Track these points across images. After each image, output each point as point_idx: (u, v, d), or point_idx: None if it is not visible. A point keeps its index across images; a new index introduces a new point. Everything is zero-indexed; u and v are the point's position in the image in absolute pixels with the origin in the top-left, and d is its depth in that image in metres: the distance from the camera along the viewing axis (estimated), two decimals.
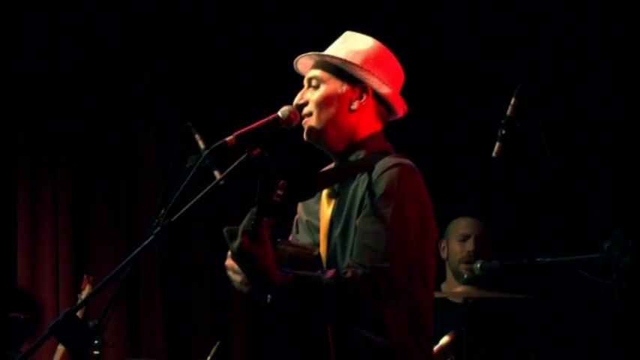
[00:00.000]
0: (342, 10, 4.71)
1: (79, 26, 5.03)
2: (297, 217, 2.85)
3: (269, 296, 2.45)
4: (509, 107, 2.98)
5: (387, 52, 2.74)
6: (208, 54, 5.07)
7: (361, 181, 2.60)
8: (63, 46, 5.00)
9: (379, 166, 2.58)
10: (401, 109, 2.74)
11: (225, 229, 2.39)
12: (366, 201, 2.54)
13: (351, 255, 2.52)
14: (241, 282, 2.56)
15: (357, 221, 2.54)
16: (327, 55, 2.70)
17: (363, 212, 2.53)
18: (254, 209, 2.39)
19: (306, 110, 2.68)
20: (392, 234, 2.48)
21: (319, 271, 2.49)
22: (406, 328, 2.55)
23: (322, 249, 2.63)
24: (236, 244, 2.36)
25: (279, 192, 2.37)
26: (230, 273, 2.59)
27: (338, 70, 2.68)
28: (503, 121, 2.95)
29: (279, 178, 2.41)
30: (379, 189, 2.53)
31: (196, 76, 5.06)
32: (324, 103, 2.67)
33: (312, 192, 2.67)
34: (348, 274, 2.43)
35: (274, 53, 4.77)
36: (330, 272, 2.45)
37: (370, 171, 2.58)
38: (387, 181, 2.53)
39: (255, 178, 2.36)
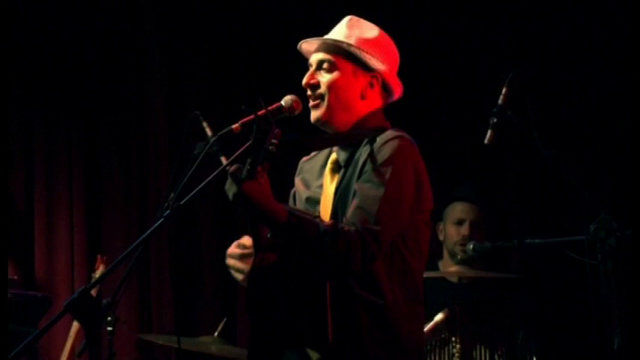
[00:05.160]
0: None
1: (88, 13, 5.04)
2: (293, 190, 2.88)
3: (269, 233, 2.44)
4: (501, 96, 3.00)
5: (389, 39, 2.79)
6: (217, 42, 5.09)
7: (363, 152, 2.64)
8: (73, 33, 5.03)
9: (381, 137, 2.63)
10: (399, 91, 2.79)
11: (230, 171, 2.39)
12: (367, 167, 2.58)
13: (344, 215, 2.56)
14: (242, 280, 2.59)
15: (356, 185, 2.58)
16: (345, 43, 2.70)
17: (362, 177, 2.58)
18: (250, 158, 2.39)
19: (317, 92, 2.70)
20: (386, 200, 2.52)
21: (317, 219, 2.53)
22: (398, 289, 2.59)
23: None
24: (234, 189, 2.36)
25: (274, 140, 2.38)
26: (232, 272, 2.63)
27: (351, 56, 2.71)
28: (494, 110, 2.99)
29: (275, 126, 2.40)
30: (380, 157, 2.57)
31: (205, 65, 5.08)
32: (339, 89, 2.69)
33: (308, 150, 2.71)
34: (345, 228, 2.47)
35: (281, 41, 4.73)
36: (329, 222, 2.51)
37: (372, 142, 2.62)
38: (388, 150, 2.58)
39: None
